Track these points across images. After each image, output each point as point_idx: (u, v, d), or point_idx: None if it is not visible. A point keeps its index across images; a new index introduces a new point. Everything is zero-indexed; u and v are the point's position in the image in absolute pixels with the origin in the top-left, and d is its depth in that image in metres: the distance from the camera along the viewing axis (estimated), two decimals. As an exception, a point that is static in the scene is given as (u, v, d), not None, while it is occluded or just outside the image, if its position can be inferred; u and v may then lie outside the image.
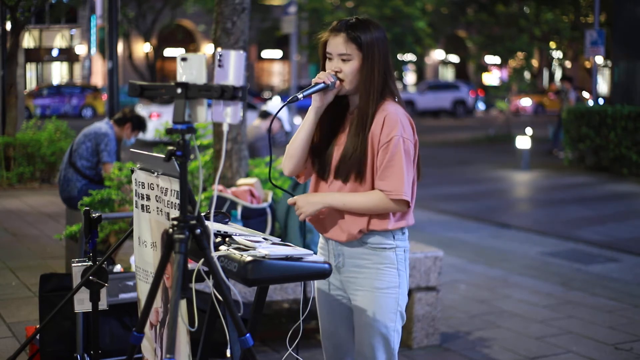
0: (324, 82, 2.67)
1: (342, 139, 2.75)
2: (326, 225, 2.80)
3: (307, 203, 2.72)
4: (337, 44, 2.70)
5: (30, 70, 38.04)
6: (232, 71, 2.25)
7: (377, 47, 2.69)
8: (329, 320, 2.90)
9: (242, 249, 2.61)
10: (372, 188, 2.69)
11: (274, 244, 2.73)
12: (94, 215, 3.38)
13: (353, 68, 2.69)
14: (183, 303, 2.53)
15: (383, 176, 2.64)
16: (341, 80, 2.70)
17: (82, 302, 3.42)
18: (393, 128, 2.63)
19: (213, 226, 2.47)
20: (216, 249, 2.62)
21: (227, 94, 2.21)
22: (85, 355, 3.73)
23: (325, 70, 2.74)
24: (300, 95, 2.68)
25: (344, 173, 2.71)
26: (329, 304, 2.89)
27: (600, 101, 21.03)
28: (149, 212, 2.84)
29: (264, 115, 7.57)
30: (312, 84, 2.69)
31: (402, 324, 2.82)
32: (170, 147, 2.31)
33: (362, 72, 2.68)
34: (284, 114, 7.61)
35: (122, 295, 4.05)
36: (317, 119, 2.76)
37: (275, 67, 43.39)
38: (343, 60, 2.70)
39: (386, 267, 2.73)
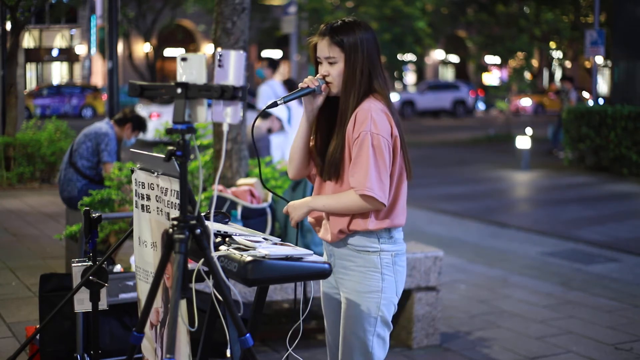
0: (308, 87, 2.71)
1: (333, 144, 2.77)
2: (318, 227, 2.86)
3: (294, 209, 2.77)
4: (322, 48, 2.74)
5: (30, 70, 38.03)
6: (232, 71, 2.25)
7: (361, 48, 2.70)
8: (332, 319, 2.92)
9: (242, 249, 2.61)
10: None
11: (274, 244, 2.73)
12: (94, 215, 3.38)
13: (339, 71, 2.71)
14: (183, 303, 2.53)
15: (352, 172, 2.65)
16: (329, 84, 2.73)
17: (82, 302, 3.42)
18: (362, 124, 2.62)
19: (213, 226, 2.47)
20: (216, 249, 2.62)
21: (227, 94, 2.21)
22: (85, 355, 3.73)
23: (318, 74, 2.78)
24: (279, 101, 2.71)
25: (328, 174, 2.75)
26: (330, 304, 2.91)
27: (600, 101, 21.03)
28: (149, 212, 2.84)
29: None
30: (299, 89, 2.72)
31: (388, 330, 2.78)
32: (170, 147, 2.31)
33: (344, 73, 2.71)
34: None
35: (122, 295, 4.05)
36: (311, 123, 2.80)
37: (275, 67, 43.34)
38: (330, 63, 2.73)
39: (369, 270, 2.72)
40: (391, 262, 2.74)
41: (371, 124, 2.61)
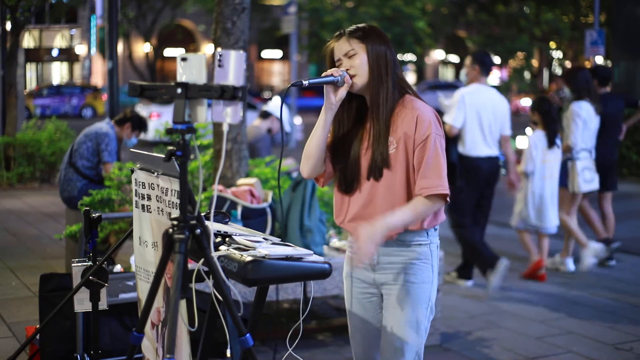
0: (332, 75, 2.68)
1: (365, 144, 2.73)
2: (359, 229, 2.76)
3: (369, 241, 2.56)
4: (340, 46, 2.74)
5: (30, 70, 38.02)
6: (232, 71, 2.25)
7: (378, 42, 2.73)
8: (360, 320, 2.87)
9: (242, 249, 2.61)
10: (406, 183, 2.68)
11: (274, 244, 2.73)
12: (94, 215, 3.38)
13: (361, 60, 2.71)
14: (183, 303, 2.53)
15: (424, 174, 2.65)
16: (352, 76, 2.71)
17: (82, 302, 3.42)
18: (428, 127, 2.66)
19: (213, 226, 2.47)
20: (216, 249, 2.62)
21: (227, 94, 2.21)
22: (85, 355, 3.73)
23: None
24: (305, 82, 2.67)
25: (376, 170, 2.70)
26: (360, 303, 2.86)
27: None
28: (150, 212, 2.84)
29: (264, 115, 7.57)
30: (322, 76, 2.69)
31: (432, 318, 2.83)
32: (170, 147, 2.31)
33: (369, 63, 2.70)
34: (284, 115, 7.61)
35: (122, 295, 4.05)
36: (331, 118, 2.74)
37: (275, 67, 43.39)
38: (350, 57, 2.72)
39: (421, 262, 2.75)
40: (436, 254, 2.81)
41: (434, 126, 2.68)
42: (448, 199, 2.69)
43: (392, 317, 2.75)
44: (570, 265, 6.83)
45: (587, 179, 6.76)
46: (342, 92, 2.70)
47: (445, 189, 2.66)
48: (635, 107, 7.46)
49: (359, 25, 2.80)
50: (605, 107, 6.84)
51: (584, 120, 6.62)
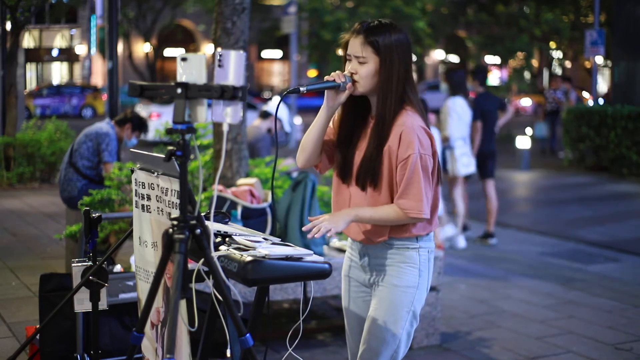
0: (334, 80, 2.68)
1: (363, 143, 2.75)
2: (350, 229, 2.82)
3: (336, 218, 2.67)
4: (354, 46, 2.71)
5: (30, 70, 38.00)
6: (232, 71, 2.25)
7: (396, 52, 2.68)
8: (355, 319, 2.92)
9: (242, 249, 2.62)
10: (390, 197, 2.70)
11: (274, 244, 2.73)
12: (94, 215, 3.38)
13: (368, 71, 2.68)
14: (183, 303, 2.53)
15: (403, 194, 2.65)
16: (354, 82, 2.70)
17: (82, 302, 3.42)
18: (410, 144, 2.63)
19: (213, 226, 2.47)
20: (216, 249, 2.62)
21: (227, 94, 2.21)
22: (85, 355, 3.73)
23: (344, 72, 2.75)
24: (303, 88, 2.68)
25: (361, 180, 2.73)
26: (355, 303, 2.91)
27: (600, 101, 21.00)
28: (150, 212, 2.84)
29: (264, 115, 7.59)
30: (324, 81, 2.70)
31: (415, 325, 2.82)
32: (170, 147, 2.31)
33: (379, 77, 2.68)
34: (284, 115, 7.62)
35: (122, 295, 4.05)
36: (330, 118, 2.77)
37: (275, 67, 43.37)
38: (360, 63, 2.70)
39: (408, 266, 2.75)
40: (427, 258, 2.79)
41: (418, 144, 2.64)
42: (428, 215, 2.69)
43: (372, 317, 2.78)
44: (461, 242, 7.63)
45: (464, 163, 7.76)
46: (343, 97, 2.72)
47: (423, 213, 2.65)
48: (503, 110, 8.31)
49: (380, 25, 2.71)
50: (485, 104, 7.79)
51: (458, 113, 7.51)
